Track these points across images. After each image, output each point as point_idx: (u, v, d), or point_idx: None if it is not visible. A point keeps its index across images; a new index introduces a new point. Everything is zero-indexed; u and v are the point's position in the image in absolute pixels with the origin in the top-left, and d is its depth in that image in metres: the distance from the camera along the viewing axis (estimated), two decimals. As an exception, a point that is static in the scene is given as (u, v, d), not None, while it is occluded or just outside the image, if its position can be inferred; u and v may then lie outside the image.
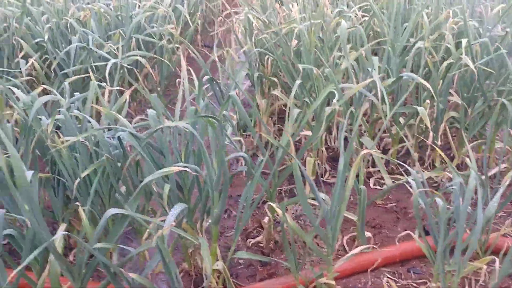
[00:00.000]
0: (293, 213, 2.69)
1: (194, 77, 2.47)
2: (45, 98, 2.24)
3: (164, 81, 3.70)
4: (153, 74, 3.12)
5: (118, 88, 2.53)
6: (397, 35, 3.09)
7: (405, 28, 3.23)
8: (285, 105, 3.80)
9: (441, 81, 2.93)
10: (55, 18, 3.42)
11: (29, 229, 1.81)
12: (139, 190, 1.84)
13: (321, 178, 2.99)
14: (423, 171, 2.20)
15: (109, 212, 1.77)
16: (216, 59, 2.68)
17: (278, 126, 3.61)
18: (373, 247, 2.27)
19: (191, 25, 3.85)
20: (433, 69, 2.82)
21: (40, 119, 2.24)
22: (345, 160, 1.88)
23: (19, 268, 1.55)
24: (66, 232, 1.70)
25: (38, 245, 1.88)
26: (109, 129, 2.25)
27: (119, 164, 2.15)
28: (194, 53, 2.57)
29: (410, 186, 2.86)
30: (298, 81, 2.38)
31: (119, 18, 3.68)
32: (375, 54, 3.27)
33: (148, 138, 2.04)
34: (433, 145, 2.50)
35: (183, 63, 2.37)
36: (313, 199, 2.26)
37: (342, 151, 1.90)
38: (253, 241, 2.52)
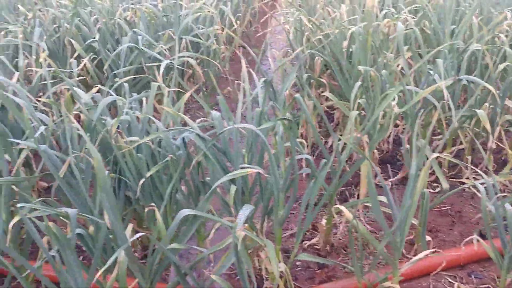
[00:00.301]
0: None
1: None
2: (109, 98, 2.26)
3: (211, 82, 3.70)
4: (201, 75, 3.13)
5: (175, 89, 2.53)
6: (448, 37, 3.07)
7: (453, 30, 3.21)
8: (329, 107, 3.80)
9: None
10: (104, 19, 3.45)
11: (101, 230, 1.82)
12: (211, 192, 1.84)
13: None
14: (494, 175, 2.17)
15: (182, 212, 1.78)
16: (270, 60, 2.67)
17: (323, 129, 3.60)
18: (438, 251, 2.25)
19: (235, 25, 3.86)
20: (492, 70, 2.79)
21: (103, 119, 2.26)
22: (418, 164, 1.87)
23: (102, 269, 1.57)
24: (143, 233, 1.71)
25: (108, 246, 1.91)
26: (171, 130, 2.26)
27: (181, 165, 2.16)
28: (247, 52, 2.57)
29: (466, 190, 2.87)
30: (358, 83, 2.37)
31: (166, 19, 3.70)
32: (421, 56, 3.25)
33: (215, 139, 2.05)
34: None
35: (243, 64, 2.38)
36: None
37: (414, 155, 1.89)
38: (308, 243, 2.51)
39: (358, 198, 2.72)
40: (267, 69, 3.62)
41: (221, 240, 2.04)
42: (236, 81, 3.29)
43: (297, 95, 2.10)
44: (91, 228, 2.03)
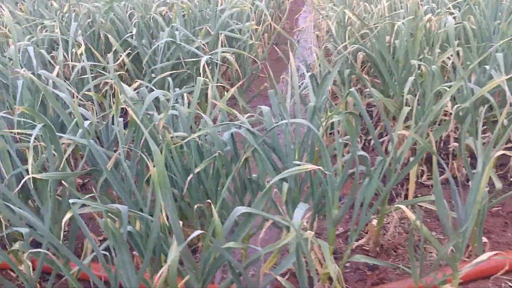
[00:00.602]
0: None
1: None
2: (155, 93, 2.20)
3: (248, 77, 3.64)
4: (240, 71, 3.06)
5: (217, 84, 2.47)
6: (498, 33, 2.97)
7: (498, 25, 3.11)
8: (367, 104, 3.70)
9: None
10: (141, 13, 3.40)
11: (152, 228, 1.76)
12: (267, 189, 1.76)
13: (419, 180, 2.87)
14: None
15: (238, 210, 1.70)
16: (315, 55, 2.59)
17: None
18: (500, 253, 2.15)
19: (270, 21, 3.79)
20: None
21: (148, 114, 2.20)
22: (484, 162, 1.77)
23: (162, 270, 1.50)
24: (201, 231, 1.64)
25: (157, 244, 1.84)
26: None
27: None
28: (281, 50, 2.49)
29: None
30: (411, 78, 2.28)
31: (202, 14, 3.64)
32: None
33: (266, 134, 1.98)
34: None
35: (292, 59, 2.30)
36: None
37: (480, 152, 1.80)
38: (356, 243, 2.43)
39: (406, 198, 2.62)
40: (297, 65, 3.53)
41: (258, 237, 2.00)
42: (272, 76, 3.23)
43: (352, 89, 2.01)
44: (137, 225, 1.98)
